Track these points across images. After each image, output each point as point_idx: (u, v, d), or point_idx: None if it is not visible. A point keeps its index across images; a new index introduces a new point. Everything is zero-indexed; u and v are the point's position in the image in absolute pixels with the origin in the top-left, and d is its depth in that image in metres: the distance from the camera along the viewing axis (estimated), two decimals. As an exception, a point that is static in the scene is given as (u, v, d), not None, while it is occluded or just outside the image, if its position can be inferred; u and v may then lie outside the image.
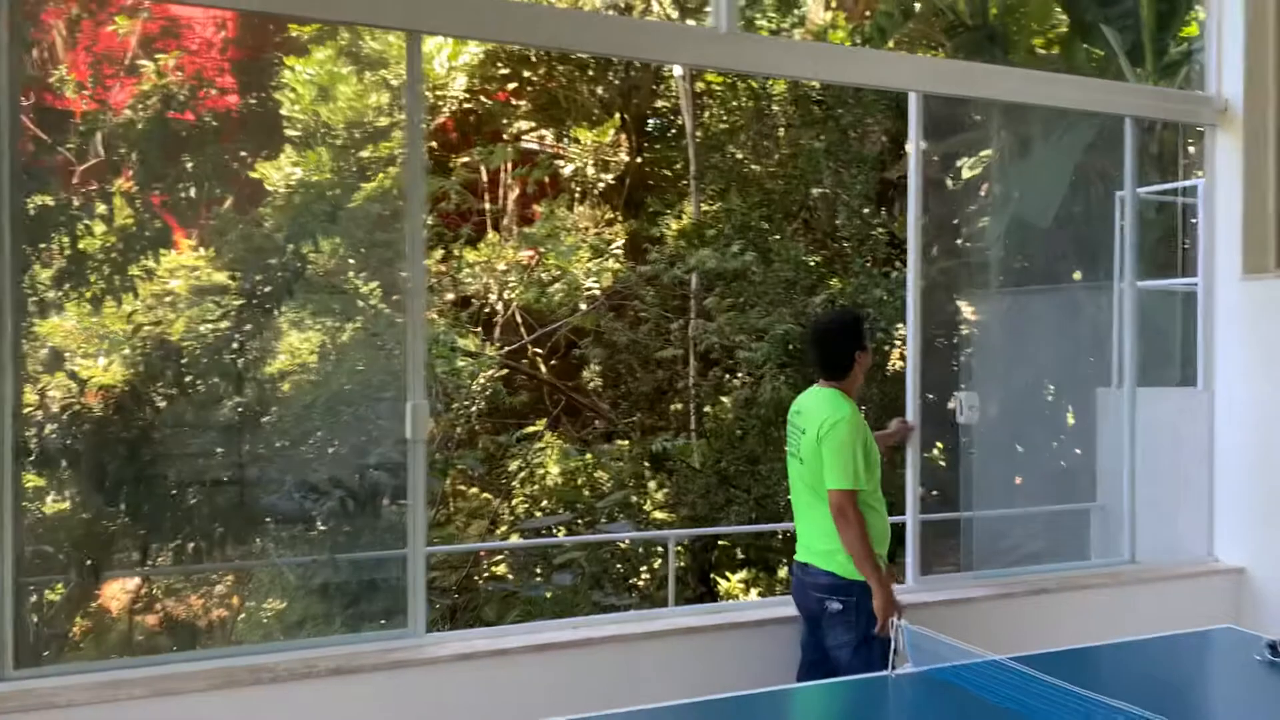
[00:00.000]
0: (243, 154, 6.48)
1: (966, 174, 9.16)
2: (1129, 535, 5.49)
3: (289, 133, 7.29)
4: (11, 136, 3.49)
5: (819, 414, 4.09)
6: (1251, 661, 3.52)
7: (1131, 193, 5.59)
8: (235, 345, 5.06)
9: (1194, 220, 5.94)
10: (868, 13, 9.54)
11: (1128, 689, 3.02)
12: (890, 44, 8.86)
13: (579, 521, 8.61)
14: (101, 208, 4.68)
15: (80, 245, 4.64)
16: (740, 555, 9.14)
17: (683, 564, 8.83)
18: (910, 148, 4.75)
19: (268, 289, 5.25)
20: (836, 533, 3.99)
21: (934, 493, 9.11)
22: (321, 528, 5.07)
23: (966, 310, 8.90)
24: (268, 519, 5.02)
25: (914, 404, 4.94)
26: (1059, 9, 8.88)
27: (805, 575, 4.14)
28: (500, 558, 8.73)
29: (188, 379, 4.91)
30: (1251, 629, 4.21)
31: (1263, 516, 5.40)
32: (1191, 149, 6.87)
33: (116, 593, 5.48)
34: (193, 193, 5.55)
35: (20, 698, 3.29)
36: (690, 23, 9.63)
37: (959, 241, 9.37)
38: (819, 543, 4.09)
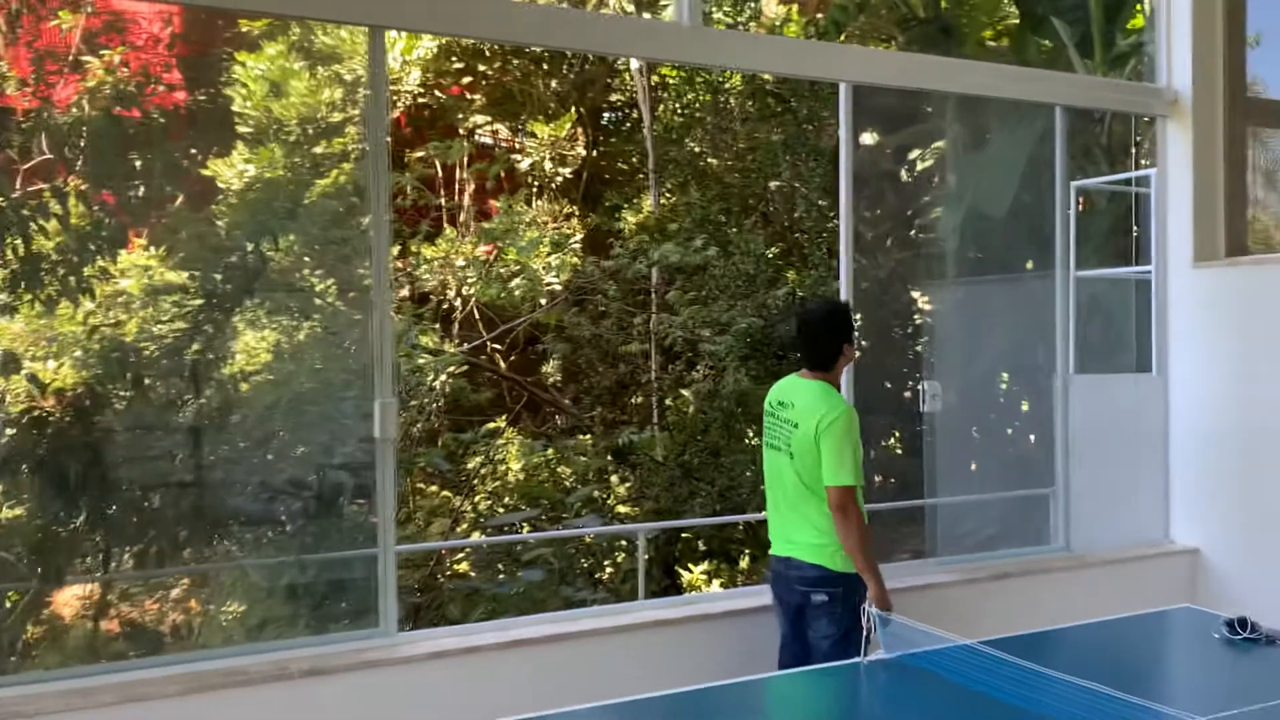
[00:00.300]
0: (193, 151, 6.37)
1: (920, 166, 9.26)
2: (1064, 523, 5.55)
3: (241, 129, 7.18)
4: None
5: (815, 408, 4.03)
6: (1211, 639, 3.61)
7: (1063, 182, 5.67)
8: (195, 346, 4.98)
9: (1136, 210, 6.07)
10: (821, 9, 9.60)
11: (1094, 669, 3.09)
12: (842, 37, 8.92)
13: (544, 518, 8.59)
14: (56, 207, 4.58)
15: (34, 246, 4.54)
16: (703, 547, 9.18)
17: (648, 557, 8.85)
18: (842, 135, 4.76)
19: (227, 288, 5.17)
20: (829, 527, 3.97)
21: (890, 480, 9.23)
22: (286, 529, 5.02)
23: (922, 301, 9.02)
24: (231, 521, 4.96)
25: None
26: (1008, 2, 9.00)
27: (788, 569, 4.09)
28: (462, 556, 8.69)
29: (147, 381, 4.83)
30: (1207, 608, 4.32)
31: (1215, 498, 5.54)
32: (1138, 139, 7.00)
33: (72, 599, 5.39)
34: (142, 191, 5.45)
35: (-22, 709, 3.23)
36: (647, 16, 9.63)
37: (912, 233, 9.48)
38: (807, 536, 4.04)
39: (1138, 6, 7.69)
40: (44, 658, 4.99)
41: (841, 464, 3.95)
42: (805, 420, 4.03)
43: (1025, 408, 8.43)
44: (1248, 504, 5.37)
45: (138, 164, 5.44)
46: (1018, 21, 8.75)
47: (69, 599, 5.34)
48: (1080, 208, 6.77)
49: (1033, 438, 8.20)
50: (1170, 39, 5.68)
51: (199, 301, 5.09)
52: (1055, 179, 5.66)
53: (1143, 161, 6.78)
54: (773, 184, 9.67)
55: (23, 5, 5.35)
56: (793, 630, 4.13)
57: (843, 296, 4.94)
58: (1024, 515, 7.03)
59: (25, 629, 4.97)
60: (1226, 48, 5.60)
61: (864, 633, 3.36)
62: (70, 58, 5.45)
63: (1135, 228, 6.21)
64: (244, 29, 7.58)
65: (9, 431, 4.35)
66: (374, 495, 4.15)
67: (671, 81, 10.58)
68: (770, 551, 4.23)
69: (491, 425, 9.60)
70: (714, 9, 9.82)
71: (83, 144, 5.16)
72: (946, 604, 4.81)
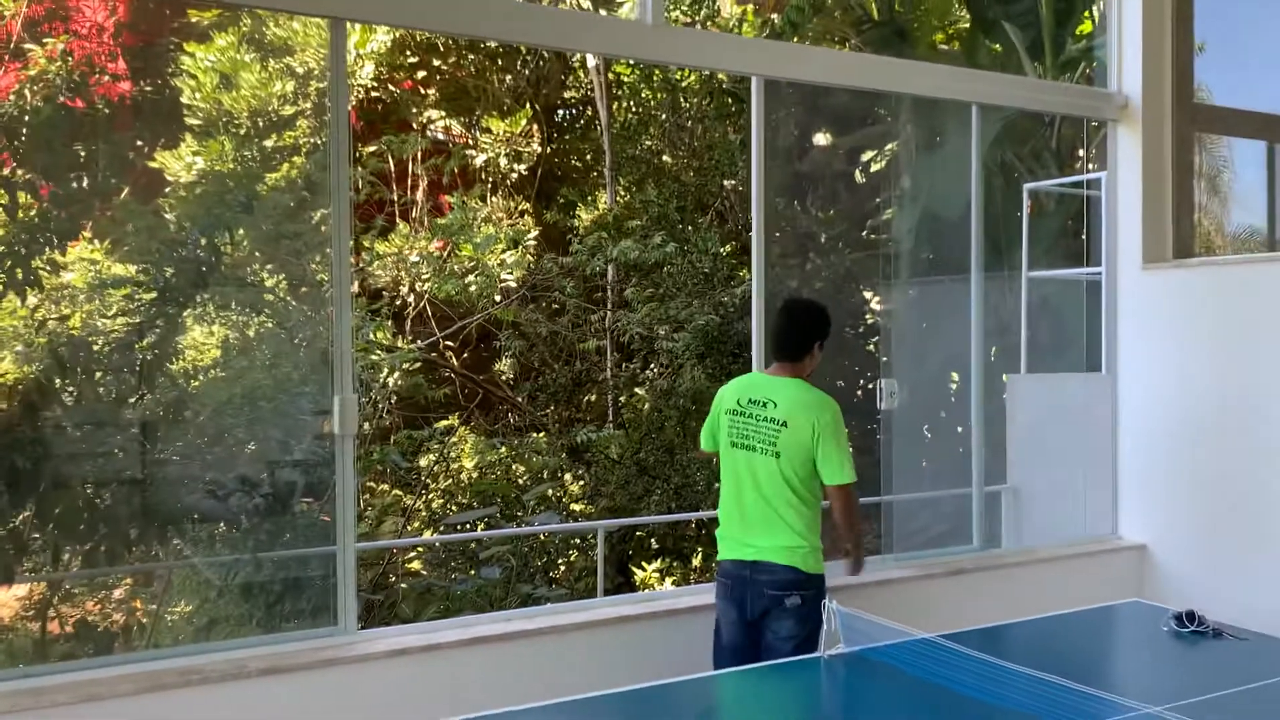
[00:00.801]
0: (139, 143, 6.26)
1: (874, 168, 9.35)
2: (979, 523, 5.48)
3: (190, 121, 7.06)
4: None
5: (808, 406, 3.93)
6: (1159, 632, 3.70)
7: (977, 185, 5.66)
8: (147, 341, 4.90)
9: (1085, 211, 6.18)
10: (776, 10, 9.66)
11: (1048, 661, 3.16)
12: (796, 39, 8.99)
13: (499, 516, 8.55)
14: (3, 197, 4.47)
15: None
16: (656, 545, 9.21)
17: (604, 554, 8.85)
18: (754, 131, 4.74)
19: (178, 282, 5.09)
20: (806, 529, 3.92)
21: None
22: (242, 526, 4.95)
23: (874, 301, 9.11)
24: (184, 519, 4.88)
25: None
26: (959, 5, 9.12)
27: (756, 573, 3.91)
28: (414, 554, 8.63)
29: (97, 375, 4.74)
30: (1155, 602, 4.43)
31: (1161, 495, 5.66)
32: (1087, 143, 7.13)
33: (11, 600, 5.27)
34: (85, 183, 5.34)
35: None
36: (603, 13, 9.61)
37: (865, 234, 9.58)
38: (781, 539, 3.90)
39: (1086, 13, 7.84)
40: (-5, 659, 4.89)
41: (844, 461, 3.90)
42: (798, 419, 3.90)
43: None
44: (1194, 501, 5.49)
45: (82, 155, 5.33)
46: (969, 25, 8.88)
47: (8, 599, 5.22)
48: (1030, 210, 6.89)
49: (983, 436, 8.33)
50: (1121, 45, 5.79)
51: (150, 296, 5.00)
52: (971, 176, 5.60)
53: (1090, 165, 6.91)
54: (728, 183, 9.71)
55: (-41, -9, 5.23)
56: (746, 637, 3.96)
57: (754, 299, 4.80)
58: (982, 513, 7.14)
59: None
60: (1175, 54, 5.73)
61: (823, 628, 3.39)
62: (11, 45, 5.33)
63: (1085, 230, 6.33)
64: (193, 19, 7.46)
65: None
66: (329, 492, 4.10)
67: (627, 79, 10.58)
68: (726, 556, 4.02)
69: (445, 423, 9.54)
70: (671, 7, 9.84)
71: (25, 134, 5.04)
72: (903, 599, 4.86)
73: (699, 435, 4.33)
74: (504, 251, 9.50)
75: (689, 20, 9.83)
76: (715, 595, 4.10)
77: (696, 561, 9.00)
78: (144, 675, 3.43)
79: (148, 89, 6.57)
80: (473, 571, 7.80)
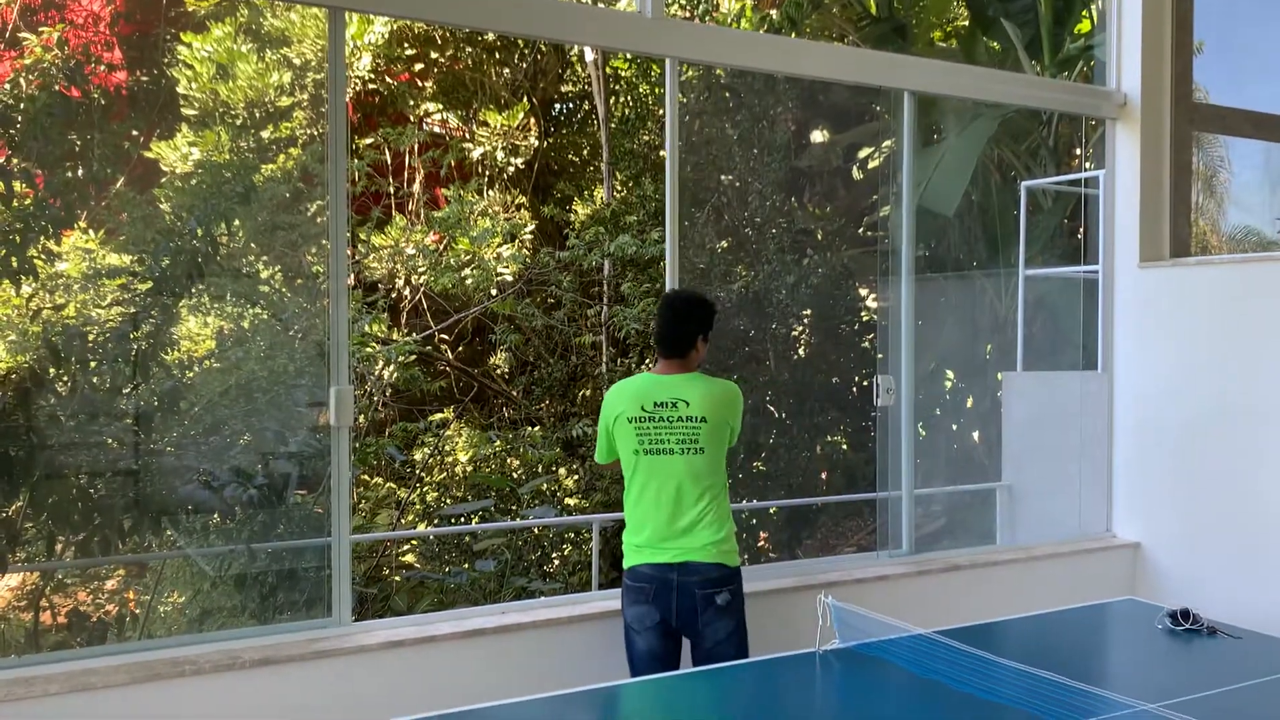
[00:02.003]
0: (135, 133, 6.24)
1: (872, 164, 9.36)
2: (908, 527, 5.34)
3: (186, 111, 7.04)
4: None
5: (718, 399, 3.90)
6: (1153, 630, 3.71)
7: (908, 185, 5.58)
8: (141, 331, 4.88)
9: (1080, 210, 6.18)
10: (774, 6, 9.65)
11: (1043, 658, 3.17)
12: (794, 34, 8.99)
13: (494, 509, 8.54)
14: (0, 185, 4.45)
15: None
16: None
17: (599, 548, 8.84)
18: (668, 118, 4.68)
19: (174, 273, 5.06)
20: (729, 523, 3.90)
21: (836, 474, 9.33)
22: (236, 518, 4.94)
23: (870, 298, 9.12)
24: (179, 510, 4.87)
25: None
26: (958, 3, 9.13)
27: (684, 575, 3.82)
28: (408, 547, 8.61)
29: (92, 365, 4.72)
30: (1149, 600, 4.44)
31: (1155, 494, 5.67)
32: (1085, 141, 7.14)
33: (2, 589, 5.26)
34: (80, 172, 5.32)
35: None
36: (601, 5, 9.59)
37: (861, 230, 9.59)
38: (708, 536, 3.85)
39: (1084, 11, 7.85)
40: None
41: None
42: (717, 412, 3.88)
43: (970, 404, 8.59)
44: (1189, 499, 5.50)
45: (78, 144, 5.31)
46: (967, 23, 8.88)
47: (1, 589, 5.21)
48: (1027, 208, 6.90)
49: (977, 434, 8.36)
50: (1120, 43, 5.79)
51: (145, 286, 4.98)
52: (903, 167, 5.45)
53: (1088, 164, 6.92)
54: (725, 178, 9.70)
55: (-46, -22, 5.21)
56: (667, 643, 3.89)
57: (668, 278, 4.71)
58: (970, 510, 7.16)
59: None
60: (1174, 53, 5.73)
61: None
62: (7, 34, 5.30)
63: (1083, 228, 6.34)
64: (189, 8, 7.44)
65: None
66: (324, 484, 4.09)
67: (625, 74, 10.56)
68: (644, 561, 3.88)
69: (440, 416, 9.52)
70: (670, 2, 9.83)
71: (20, 122, 5.02)
72: (899, 595, 4.88)
73: None
74: (500, 245, 9.49)
75: (687, 16, 9.81)
76: (624, 603, 3.94)
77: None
78: (137, 665, 3.43)
79: (144, 79, 6.56)
80: (467, 565, 7.79)
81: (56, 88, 5.04)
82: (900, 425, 5.24)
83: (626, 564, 3.95)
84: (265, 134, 7.54)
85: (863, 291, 9.41)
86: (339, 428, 3.87)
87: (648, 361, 9.24)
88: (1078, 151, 7.89)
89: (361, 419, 8.64)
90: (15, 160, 4.75)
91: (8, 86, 5.03)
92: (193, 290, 5.28)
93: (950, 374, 8.68)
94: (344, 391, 3.87)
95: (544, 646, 4.09)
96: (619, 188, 10.29)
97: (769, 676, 3.35)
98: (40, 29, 5.25)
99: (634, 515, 3.94)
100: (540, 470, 9.10)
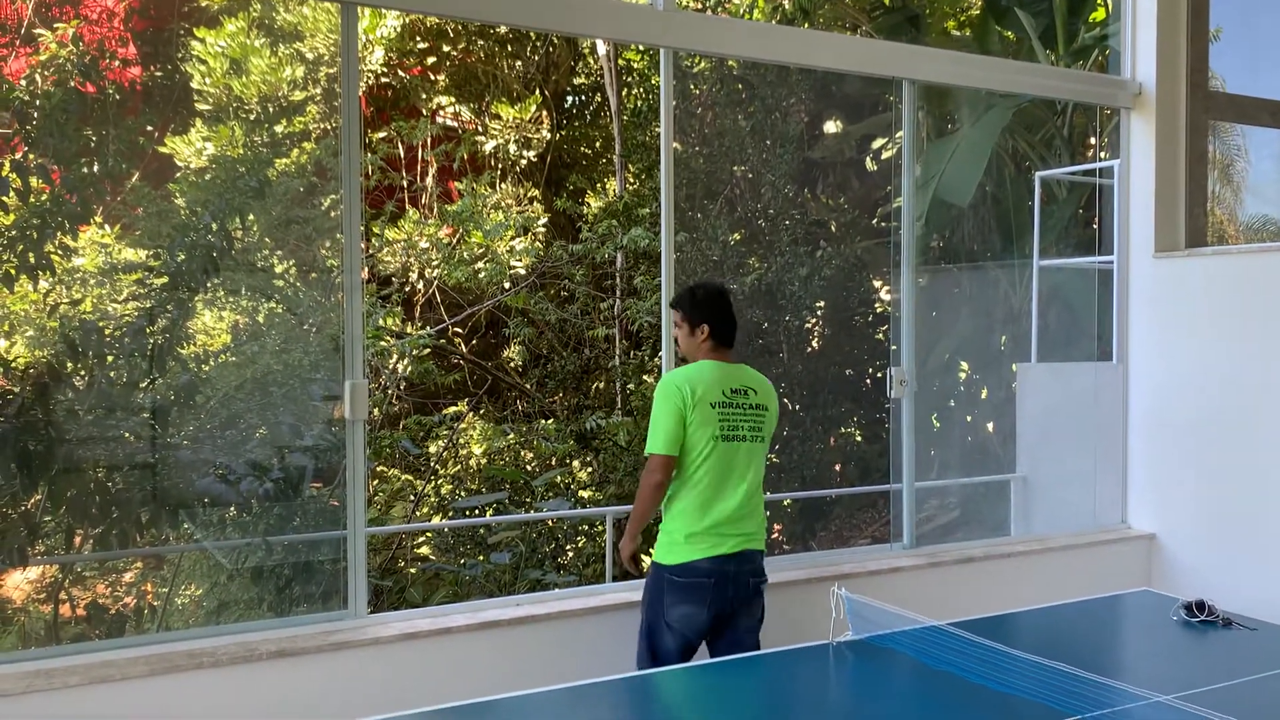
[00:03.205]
0: (149, 128, 6.27)
1: (885, 155, 9.33)
2: (909, 519, 5.29)
3: (200, 106, 7.07)
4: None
5: (769, 390, 4.03)
6: (1169, 621, 3.70)
7: (908, 175, 5.54)
8: (158, 325, 4.91)
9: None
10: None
11: (1057, 649, 3.16)
12: (807, 25, 8.96)
13: (508, 502, 8.57)
14: (16, 181, 4.48)
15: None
16: (662, 530, 9.19)
17: (612, 542, 8.86)
18: (662, 111, 4.67)
19: (189, 267, 5.09)
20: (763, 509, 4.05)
21: (850, 466, 9.32)
22: (252, 511, 4.97)
23: (884, 290, 9.10)
24: (195, 503, 4.90)
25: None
26: (972, -8, 9.09)
27: (740, 564, 3.85)
28: (423, 539, 8.65)
29: (109, 360, 4.75)
30: (1164, 591, 4.42)
31: (1171, 485, 5.65)
32: (1099, 131, 7.09)
33: (21, 583, 5.30)
34: (96, 168, 5.35)
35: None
36: None
37: (875, 221, 9.56)
38: (759, 523, 3.96)
39: (1099, 0, 7.80)
40: (5, 640, 4.92)
41: None
42: (773, 404, 4.03)
43: (985, 395, 8.56)
44: (1204, 490, 5.48)
45: (93, 140, 5.34)
46: (980, 12, 8.84)
47: (21, 582, 5.25)
48: (1041, 198, 6.87)
49: (991, 425, 8.34)
50: (1135, 32, 5.75)
51: (161, 280, 5.01)
52: (904, 157, 5.42)
53: (1103, 154, 6.88)
54: (738, 169, 9.69)
55: (-29, -25, 5.24)
56: (696, 645, 3.89)
57: (664, 283, 4.70)
58: (984, 501, 7.15)
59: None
60: (1189, 41, 5.69)
61: None
62: (22, 30, 5.33)
63: (1097, 218, 6.31)
64: (203, 3, 7.46)
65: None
66: (339, 477, 4.11)
67: (637, 66, 10.55)
68: (702, 555, 3.83)
69: (454, 409, 9.55)
70: (681, -8, 9.80)
71: (35, 118, 5.05)
72: (912, 587, 4.87)
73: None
74: (513, 238, 9.50)
75: (699, 7, 9.78)
76: (666, 600, 3.85)
77: (704, 548, 9.00)
78: (155, 657, 3.46)
79: (158, 74, 6.58)
80: (482, 557, 7.81)
81: (72, 83, 5.07)
82: (902, 417, 5.23)
83: (674, 559, 3.85)
84: (279, 128, 7.57)
85: (876, 283, 9.39)
86: (354, 421, 3.89)
87: (655, 354, 9.21)
88: (1092, 141, 7.84)
89: (376, 412, 8.68)
90: (32, 156, 4.78)
91: (23, 83, 5.06)
92: (208, 285, 5.31)
93: (965, 365, 8.66)
94: (359, 385, 3.88)
95: (558, 638, 4.11)
96: (631, 180, 10.29)
97: (783, 668, 3.36)
98: (55, 25, 5.28)
99: (695, 504, 3.86)
100: (554, 463, 9.12)
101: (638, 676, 3.42)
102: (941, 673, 3.12)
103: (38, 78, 5.06)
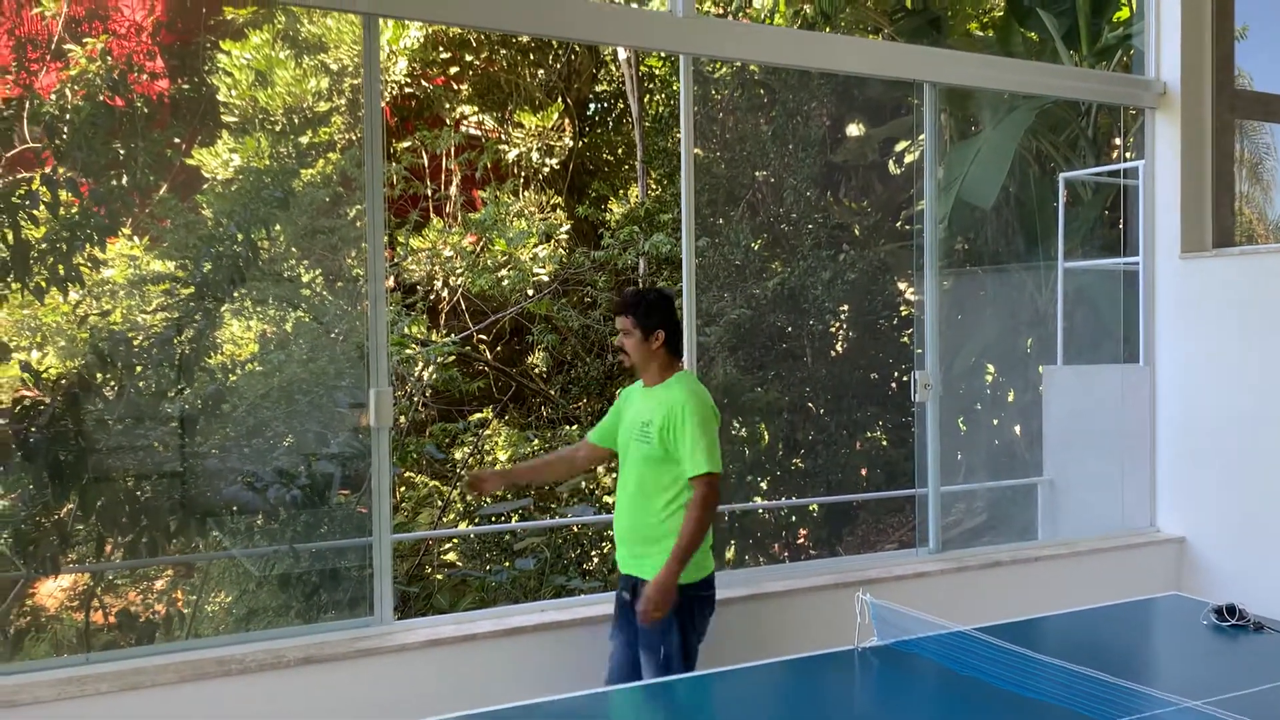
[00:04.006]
0: (177, 140, 6.34)
1: (908, 158, 9.29)
2: (934, 525, 5.27)
3: (226, 118, 7.15)
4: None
5: None
6: (1199, 626, 3.65)
7: (929, 178, 5.52)
8: (185, 335, 4.96)
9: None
10: (807, 1, 9.61)
11: (1085, 655, 3.13)
12: (829, 28, 8.95)
13: (533, 508, 8.59)
14: (46, 194, 4.54)
15: (23, 234, 4.50)
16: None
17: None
18: (682, 110, 4.65)
19: (216, 278, 5.14)
20: None
21: (876, 470, 9.27)
22: (279, 518, 5.00)
23: (909, 292, 9.06)
24: (223, 511, 4.94)
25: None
26: (995, -7, 9.04)
27: None
28: (450, 545, 8.68)
29: (138, 370, 4.80)
30: (1193, 595, 4.37)
31: (1200, 487, 5.59)
32: (1124, 132, 7.04)
33: (57, 590, 5.36)
34: (125, 180, 5.42)
35: (-21, 698, 3.22)
36: (634, 6, 9.61)
37: (899, 224, 9.52)
38: None
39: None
40: (33, 648, 4.97)
41: None
42: None
43: (1011, 398, 8.51)
44: (1233, 493, 5.42)
45: (122, 153, 5.40)
46: (1003, 13, 8.79)
47: (54, 590, 5.31)
48: (1066, 200, 6.83)
49: (1018, 428, 8.28)
50: (1159, 31, 5.71)
51: (188, 291, 5.07)
52: (926, 160, 5.43)
53: (1128, 154, 6.83)
54: (760, 174, 9.68)
55: (3, -9, 5.31)
56: None
57: (685, 290, 4.67)
58: (1011, 505, 7.10)
59: (13, 619, 4.95)
60: (1214, 40, 5.64)
61: None
62: (53, 45, 5.40)
63: (1122, 219, 6.26)
64: (228, 16, 7.54)
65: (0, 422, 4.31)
66: (366, 484, 4.14)
67: (659, 72, 10.57)
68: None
69: (479, 416, 9.59)
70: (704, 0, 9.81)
71: (66, 132, 5.12)
72: (938, 592, 4.85)
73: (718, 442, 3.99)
74: (536, 246, 9.53)
75: (720, 12, 9.79)
76: (702, 615, 3.85)
77: (730, 555, 9.00)
78: (185, 664, 3.49)
79: (185, 87, 6.66)
80: (507, 563, 7.84)
81: (101, 98, 5.14)
82: (927, 421, 5.21)
83: (701, 574, 3.83)
84: (304, 139, 7.63)
85: (901, 286, 9.35)
86: (380, 428, 3.91)
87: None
88: (1117, 141, 7.79)
89: (402, 419, 8.72)
90: (61, 170, 4.85)
91: (53, 98, 5.13)
92: (234, 295, 5.36)
93: (991, 368, 8.61)
94: (384, 393, 3.91)
95: (583, 644, 4.11)
96: (653, 186, 10.30)
97: (808, 674, 3.34)
98: (84, 40, 5.35)
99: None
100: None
101: (663, 682, 3.42)
102: (968, 678, 3.10)
103: (68, 92, 5.13)
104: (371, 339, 3.93)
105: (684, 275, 4.68)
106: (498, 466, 3.80)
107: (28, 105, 5.06)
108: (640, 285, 9.88)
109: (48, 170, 4.72)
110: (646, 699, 3.17)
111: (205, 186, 6.51)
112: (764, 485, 8.99)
